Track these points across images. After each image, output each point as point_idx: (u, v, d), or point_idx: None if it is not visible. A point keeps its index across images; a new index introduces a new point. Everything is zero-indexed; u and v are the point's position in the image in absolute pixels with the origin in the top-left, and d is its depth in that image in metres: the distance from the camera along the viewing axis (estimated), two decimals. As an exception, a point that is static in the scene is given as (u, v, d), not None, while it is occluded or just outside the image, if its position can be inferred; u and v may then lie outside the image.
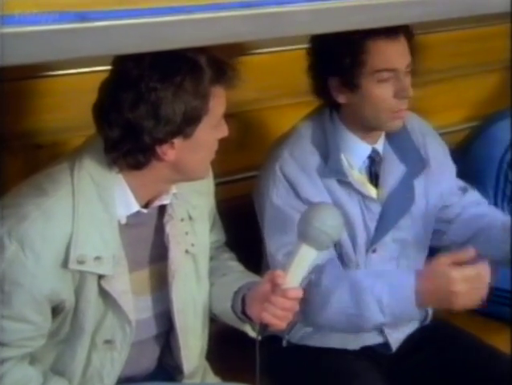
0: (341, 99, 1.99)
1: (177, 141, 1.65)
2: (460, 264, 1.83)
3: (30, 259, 1.60)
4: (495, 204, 2.54)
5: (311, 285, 1.92)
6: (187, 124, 1.64)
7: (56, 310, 1.67)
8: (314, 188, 1.99)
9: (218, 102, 1.68)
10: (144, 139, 1.62)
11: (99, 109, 1.67)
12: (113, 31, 1.06)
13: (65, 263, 1.63)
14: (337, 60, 1.94)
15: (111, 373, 1.75)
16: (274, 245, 1.99)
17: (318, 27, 1.30)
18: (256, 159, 2.49)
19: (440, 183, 2.14)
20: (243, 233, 2.05)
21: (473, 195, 2.22)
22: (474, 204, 2.20)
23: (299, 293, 1.71)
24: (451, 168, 2.20)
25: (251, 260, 2.07)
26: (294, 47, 2.34)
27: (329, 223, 1.69)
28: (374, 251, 2.07)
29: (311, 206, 1.81)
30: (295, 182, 1.99)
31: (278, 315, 1.70)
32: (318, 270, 1.94)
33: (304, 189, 1.98)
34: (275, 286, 1.70)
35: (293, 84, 2.38)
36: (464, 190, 2.19)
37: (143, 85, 1.59)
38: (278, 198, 1.99)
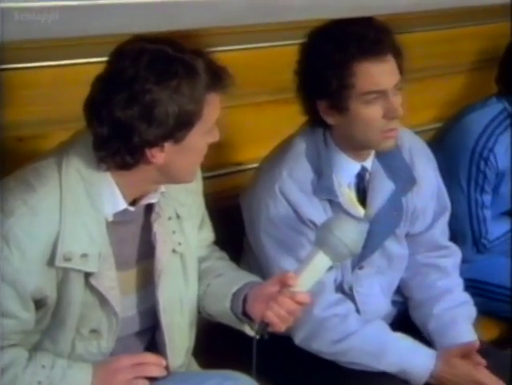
0: (330, 120, 1.98)
1: (168, 145, 1.64)
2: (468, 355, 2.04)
3: (15, 255, 1.58)
4: (468, 194, 2.58)
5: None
6: (179, 129, 1.62)
7: (37, 305, 1.65)
8: (313, 208, 1.99)
9: (212, 108, 1.66)
10: (133, 140, 1.60)
11: (90, 105, 1.64)
12: (119, 10, 1.06)
13: (51, 260, 1.61)
14: (324, 83, 1.92)
15: (100, 358, 1.73)
16: (278, 269, 1.97)
17: (313, 13, 1.31)
18: (233, 156, 2.51)
19: (418, 200, 2.15)
20: (219, 228, 2.04)
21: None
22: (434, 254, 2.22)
23: (307, 299, 1.72)
24: (433, 189, 2.19)
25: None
26: (273, 44, 2.37)
27: (351, 235, 1.71)
28: (361, 268, 2.10)
29: (336, 216, 1.86)
30: (295, 203, 1.99)
31: (281, 316, 1.70)
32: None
33: (305, 210, 1.99)
34: (284, 287, 1.71)
35: (271, 81, 2.41)
36: (427, 228, 2.20)
37: (138, 85, 1.58)
38: (278, 219, 1.99)
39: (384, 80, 1.92)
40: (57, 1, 1.07)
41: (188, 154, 1.68)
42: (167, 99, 1.59)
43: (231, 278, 1.90)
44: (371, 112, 1.93)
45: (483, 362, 2.03)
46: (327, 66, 1.91)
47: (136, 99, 1.58)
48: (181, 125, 1.62)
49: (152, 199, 1.76)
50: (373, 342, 2.02)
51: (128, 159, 1.64)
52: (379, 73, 1.91)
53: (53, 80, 2.01)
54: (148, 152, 1.63)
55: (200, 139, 1.67)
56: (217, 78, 1.65)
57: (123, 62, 1.59)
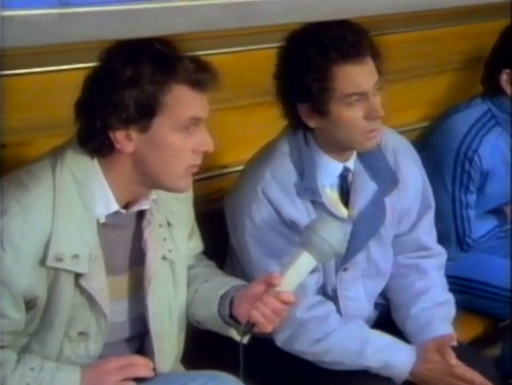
0: (311, 123, 1.99)
1: (134, 133, 1.65)
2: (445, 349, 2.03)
3: (8, 254, 1.60)
4: (453, 193, 2.60)
5: None
6: (139, 114, 1.63)
7: (28, 306, 1.67)
8: (296, 209, 2.00)
9: (182, 102, 1.66)
10: (96, 123, 1.63)
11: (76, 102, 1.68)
12: (93, 17, 1.07)
13: (43, 260, 1.63)
14: (304, 87, 1.93)
15: (87, 362, 1.74)
16: (261, 272, 1.97)
17: (288, 17, 1.33)
18: (219, 158, 2.52)
19: (404, 201, 2.15)
20: (204, 231, 2.05)
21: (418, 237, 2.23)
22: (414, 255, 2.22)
23: (292, 298, 1.74)
24: (418, 189, 2.19)
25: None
26: (257, 47, 2.38)
27: (335, 236, 1.74)
28: (345, 270, 2.10)
29: (320, 216, 1.90)
30: (278, 204, 2.00)
31: (267, 315, 1.72)
32: None
33: (287, 211, 2.00)
34: (270, 287, 1.73)
35: (256, 84, 2.41)
36: (411, 228, 2.21)
37: (105, 68, 1.62)
38: (261, 220, 2.01)
39: (364, 82, 1.94)
40: (52, 9, 1.08)
41: (159, 149, 1.67)
42: (127, 80, 1.61)
43: (218, 283, 1.91)
44: (353, 114, 1.94)
45: (455, 360, 2.02)
46: (307, 70, 1.92)
47: (100, 81, 1.62)
48: (141, 110, 1.63)
49: (144, 206, 1.78)
50: (354, 338, 2.03)
51: (95, 143, 1.66)
52: (359, 75, 1.93)
53: (38, 87, 2.01)
54: (112, 136, 1.65)
55: (170, 134, 1.66)
56: (193, 73, 1.65)
57: (103, 55, 1.64)
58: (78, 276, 1.68)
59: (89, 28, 1.09)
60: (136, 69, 1.61)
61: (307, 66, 1.92)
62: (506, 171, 2.65)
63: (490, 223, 2.70)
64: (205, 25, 1.23)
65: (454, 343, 2.04)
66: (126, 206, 1.76)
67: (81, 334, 1.73)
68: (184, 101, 1.66)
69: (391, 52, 2.85)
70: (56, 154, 1.70)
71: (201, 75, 1.66)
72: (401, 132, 2.47)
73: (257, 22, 1.32)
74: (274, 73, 2.02)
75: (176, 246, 1.86)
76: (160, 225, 1.83)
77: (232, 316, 1.82)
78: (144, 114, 1.64)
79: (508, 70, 2.60)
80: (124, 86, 1.61)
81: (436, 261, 2.25)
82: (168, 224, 1.84)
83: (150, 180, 1.73)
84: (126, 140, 1.65)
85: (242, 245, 2.05)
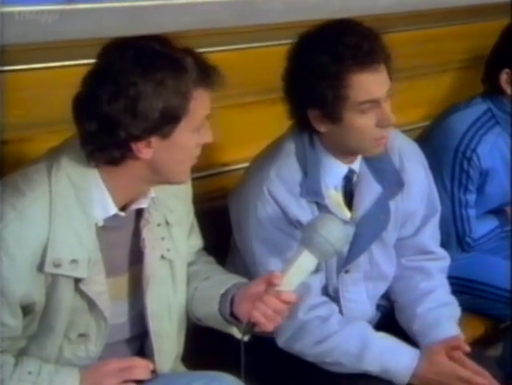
0: (322, 128, 1.98)
1: (155, 140, 1.63)
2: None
3: (4, 261, 1.58)
4: (452, 193, 2.59)
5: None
6: (165, 123, 1.62)
7: (25, 311, 1.66)
8: (301, 209, 2.00)
9: (200, 104, 1.66)
10: (119, 134, 1.60)
11: (78, 101, 1.64)
12: (95, 14, 1.07)
13: (40, 266, 1.61)
14: (317, 94, 1.92)
15: (87, 363, 1.73)
16: (266, 271, 1.94)
17: (291, 16, 1.32)
18: (220, 157, 2.52)
19: (408, 204, 2.14)
20: (206, 229, 2.05)
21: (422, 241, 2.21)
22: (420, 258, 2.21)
23: (293, 298, 1.73)
24: (423, 192, 2.17)
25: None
26: (259, 45, 2.37)
27: (335, 234, 1.74)
28: (347, 272, 2.09)
29: (320, 215, 1.88)
30: (283, 204, 1.99)
31: (268, 315, 1.71)
32: None
33: (293, 211, 1.99)
34: (270, 286, 1.73)
35: (257, 82, 2.41)
36: (416, 232, 2.19)
37: (123, 79, 1.58)
38: (266, 220, 2.00)
39: (378, 89, 1.93)
40: (55, 5, 1.08)
41: (175, 151, 1.67)
42: (151, 92, 1.59)
43: (219, 280, 1.91)
44: (365, 121, 1.93)
45: (466, 361, 2.01)
46: (321, 77, 1.91)
47: (121, 92, 1.58)
48: (167, 119, 1.62)
49: (142, 204, 1.76)
50: (354, 341, 2.02)
51: (115, 153, 1.63)
52: (373, 83, 1.92)
53: (38, 83, 2.01)
54: (135, 147, 1.63)
55: (188, 136, 1.66)
56: (205, 74, 1.65)
57: (109, 57, 1.61)
58: (77, 280, 1.66)
59: (91, 25, 1.08)
60: (157, 81, 1.59)
61: (321, 74, 1.90)
62: (506, 171, 2.64)
63: (491, 223, 2.69)
64: (209, 22, 1.23)
65: (466, 349, 2.03)
66: (124, 207, 1.74)
67: (81, 335, 1.72)
68: (201, 103, 1.66)
69: (393, 51, 2.86)
70: (51, 157, 1.68)
71: (212, 75, 1.66)
72: (403, 131, 2.46)
73: (261, 19, 1.31)
74: (283, 76, 2.00)
75: (175, 245, 1.85)
76: (159, 224, 1.81)
77: (233, 314, 1.81)
78: (169, 122, 1.63)
79: (508, 70, 2.59)
80: (148, 99, 1.59)
81: (439, 264, 2.24)
82: (167, 223, 1.83)
83: (159, 178, 1.72)
84: (146, 148, 1.64)
85: (247, 244, 2.04)
